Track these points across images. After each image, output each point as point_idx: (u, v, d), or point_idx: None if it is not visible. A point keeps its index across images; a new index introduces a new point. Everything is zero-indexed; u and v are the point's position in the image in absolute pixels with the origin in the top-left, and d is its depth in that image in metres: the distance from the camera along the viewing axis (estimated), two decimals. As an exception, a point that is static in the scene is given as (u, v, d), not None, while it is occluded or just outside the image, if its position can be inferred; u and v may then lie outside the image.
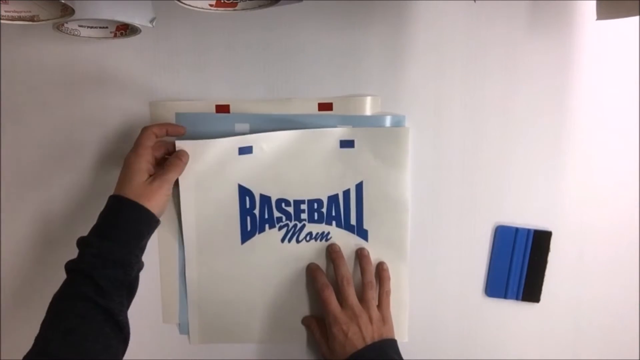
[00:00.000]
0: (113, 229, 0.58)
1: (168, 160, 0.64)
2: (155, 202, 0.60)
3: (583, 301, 0.71)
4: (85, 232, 0.59)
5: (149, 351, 0.71)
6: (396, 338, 0.68)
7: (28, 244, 0.69)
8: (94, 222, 0.59)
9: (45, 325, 0.54)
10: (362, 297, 0.66)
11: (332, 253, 0.68)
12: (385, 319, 0.66)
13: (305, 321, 0.70)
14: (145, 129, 0.62)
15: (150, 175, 0.61)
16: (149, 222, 0.60)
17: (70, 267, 0.56)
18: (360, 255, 0.68)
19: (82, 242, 0.57)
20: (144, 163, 0.60)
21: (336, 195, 0.68)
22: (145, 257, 0.67)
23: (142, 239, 0.59)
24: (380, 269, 0.69)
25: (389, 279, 0.68)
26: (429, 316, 0.65)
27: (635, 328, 0.71)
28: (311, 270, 0.68)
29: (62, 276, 0.55)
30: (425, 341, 0.69)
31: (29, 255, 0.69)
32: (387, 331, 0.65)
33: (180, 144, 0.65)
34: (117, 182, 0.61)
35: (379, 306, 0.67)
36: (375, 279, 0.68)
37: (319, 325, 0.68)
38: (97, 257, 0.56)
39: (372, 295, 0.66)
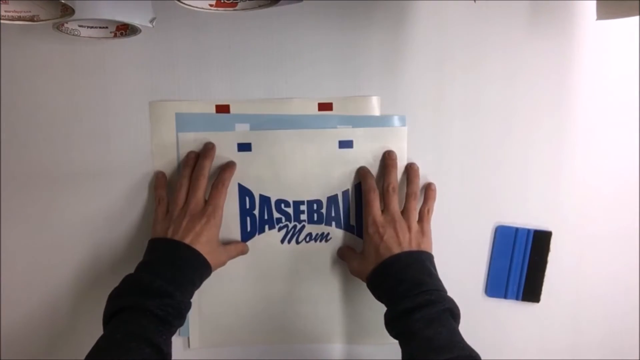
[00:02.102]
0: (189, 285, 0.60)
1: (235, 246, 0.67)
2: (217, 264, 0.64)
3: (583, 301, 0.71)
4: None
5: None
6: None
7: (28, 243, 0.69)
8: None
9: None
10: (403, 208, 0.65)
11: (387, 159, 0.67)
12: (424, 232, 0.65)
13: (337, 251, 0.70)
14: (222, 189, 0.64)
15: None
16: (206, 277, 0.63)
17: (152, 311, 0.55)
18: (409, 168, 0.67)
19: (160, 290, 0.57)
20: (221, 223, 0.64)
21: (335, 196, 0.68)
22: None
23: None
24: (428, 187, 0.68)
25: (434, 198, 0.67)
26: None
27: (635, 328, 0.71)
28: (362, 173, 0.67)
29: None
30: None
31: (28, 258, 0.69)
32: (425, 243, 0.64)
33: (182, 136, 0.66)
34: (195, 231, 0.61)
35: (420, 220, 0.65)
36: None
37: (345, 247, 0.69)
38: (176, 309, 0.57)
39: (414, 206, 0.65)
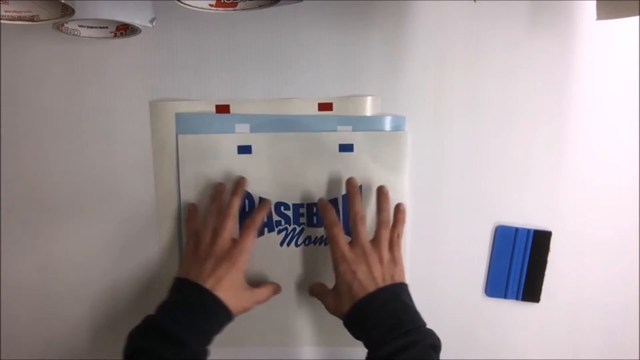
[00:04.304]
0: (207, 333, 0.58)
1: (265, 287, 0.65)
2: (240, 310, 0.61)
3: (583, 301, 0.71)
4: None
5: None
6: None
7: (28, 243, 0.69)
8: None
9: None
10: (374, 237, 0.63)
11: (349, 187, 0.65)
12: (396, 260, 0.62)
13: (308, 289, 0.67)
14: (252, 229, 0.62)
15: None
16: (227, 323, 0.60)
17: (167, 358, 0.55)
18: (379, 193, 0.65)
19: (176, 339, 0.56)
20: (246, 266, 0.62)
21: (335, 200, 0.68)
22: (146, 257, 0.67)
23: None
24: (397, 210, 0.65)
25: (403, 222, 0.65)
26: (429, 316, 0.64)
27: (635, 328, 0.71)
28: (321, 206, 0.65)
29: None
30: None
31: (28, 262, 0.69)
32: (398, 273, 0.61)
33: (182, 138, 0.66)
34: (218, 275, 0.59)
35: (390, 248, 0.63)
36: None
37: (316, 285, 0.66)
38: (191, 357, 0.56)
39: (385, 235, 0.63)
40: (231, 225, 0.62)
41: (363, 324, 0.59)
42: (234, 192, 0.65)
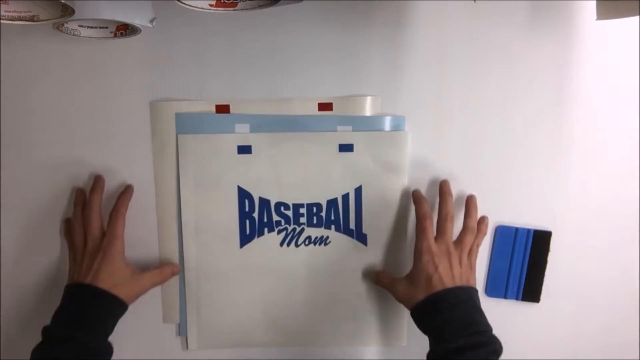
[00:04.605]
0: (95, 323, 0.59)
1: (151, 273, 0.66)
2: (130, 296, 0.63)
3: (583, 301, 0.71)
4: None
5: (148, 352, 0.71)
6: (395, 342, 0.69)
7: (28, 241, 0.69)
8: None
9: None
10: (458, 239, 0.65)
11: (443, 187, 0.67)
12: (472, 266, 0.65)
13: (374, 277, 0.68)
14: (118, 217, 0.64)
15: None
16: (119, 310, 0.62)
17: (59, 358, 0.57)
18: (469, 201, 0.67)
19: (62, 336, 0.57)
20: (123, 252, 0.63)
21: (335, 200, 0.68)
22: (147, 258, 0.67)
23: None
24: (482, 221, 0.68)
25: (485, 233, 0.68)
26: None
27: (635, 328, 0.71)
28: (416, 197, 0.67)
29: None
30: (425, 344, 0.68)
31: (26, 257, 0.69)
32: (472, 279, 0.65)
33: (182, 138, 0.66)
34: (94, 269, 0.61)
35: (469, 254, 0.65)
36: None
37: (385, 272, 0.68)
38: (86, 349, 0.57)
39: (469, 241, 0.65)
40: (96, 222, 0.64)
41: (435, 316, 0.60)
42: (92, 190, 0.66)
